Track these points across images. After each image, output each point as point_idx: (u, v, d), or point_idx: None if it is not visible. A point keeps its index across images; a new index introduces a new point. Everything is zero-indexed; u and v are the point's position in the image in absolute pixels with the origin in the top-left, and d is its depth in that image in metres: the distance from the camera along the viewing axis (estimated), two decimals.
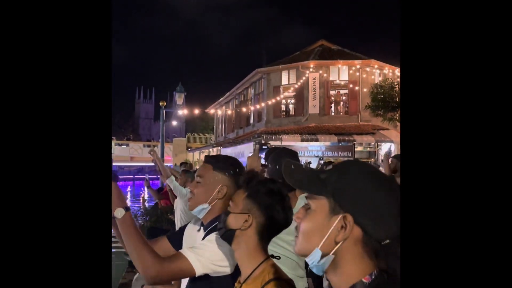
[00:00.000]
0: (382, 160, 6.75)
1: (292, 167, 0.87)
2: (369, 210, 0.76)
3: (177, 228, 4.16)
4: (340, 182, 0.78)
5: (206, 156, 1.61)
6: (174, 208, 4.61)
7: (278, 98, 16.94)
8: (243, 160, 15.41)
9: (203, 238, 1.41)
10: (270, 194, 1.23)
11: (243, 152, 16.12)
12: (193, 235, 1.52)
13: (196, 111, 17.16)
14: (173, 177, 4.34)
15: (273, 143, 14.36)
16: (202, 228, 1.49)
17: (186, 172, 4.75)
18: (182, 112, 14.60)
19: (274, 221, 1.22)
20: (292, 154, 2.30)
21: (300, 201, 2.04)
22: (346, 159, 14.59)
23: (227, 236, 1.23)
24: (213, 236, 1.36)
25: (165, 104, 11.22)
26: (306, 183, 0.82)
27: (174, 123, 14.70)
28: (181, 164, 6.80)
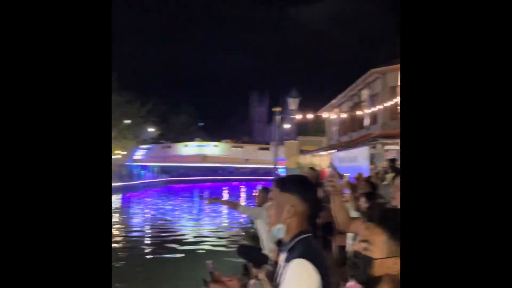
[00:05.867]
0: None
1: None
2: None
3: (261, 244, 4.53)
4: None
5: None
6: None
7: (395, 100, 15.95)
8: (356, 166, 14.78)
9: (286, 258, 1.44)
10: None
11: (357, 156, 15.55)
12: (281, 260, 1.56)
13: (309, 116, 17.13)
14: (243, 207, 4.81)
15: (390, 147, 13.55)
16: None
17: (265, 189, 4.71)
18: (296, 116, 14.75)
19: None
20: None
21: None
22: None
23: (371, 285, 1.16)
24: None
25: (280, 109, 11.42)
26: None
27: (287, 126, 14.87)
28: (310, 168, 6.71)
